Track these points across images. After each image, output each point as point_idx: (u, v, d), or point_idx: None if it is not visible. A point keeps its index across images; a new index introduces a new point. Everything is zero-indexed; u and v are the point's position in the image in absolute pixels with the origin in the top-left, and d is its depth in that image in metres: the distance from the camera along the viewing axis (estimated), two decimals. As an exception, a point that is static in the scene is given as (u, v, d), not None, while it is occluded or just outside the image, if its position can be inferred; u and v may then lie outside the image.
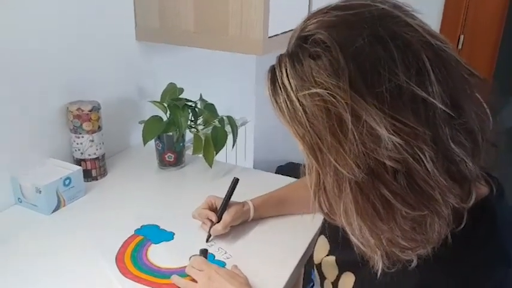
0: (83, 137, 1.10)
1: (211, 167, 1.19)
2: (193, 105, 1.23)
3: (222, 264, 0.86)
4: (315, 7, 1.67)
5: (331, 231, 0.77)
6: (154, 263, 0.87)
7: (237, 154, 1.87)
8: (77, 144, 1.11)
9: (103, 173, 1.18)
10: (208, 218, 0.93)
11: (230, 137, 1.22)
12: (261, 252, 0.92)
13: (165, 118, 1.20)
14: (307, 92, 0.50)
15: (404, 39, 0.49)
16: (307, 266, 1.11)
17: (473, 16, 1.72)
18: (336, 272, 0.75)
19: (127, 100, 1.35)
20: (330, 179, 0.51)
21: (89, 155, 1.12)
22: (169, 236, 0.95)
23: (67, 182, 1.03)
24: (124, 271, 0.84)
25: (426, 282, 0.56)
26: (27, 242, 0.92)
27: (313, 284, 1.66)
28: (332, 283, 0.76)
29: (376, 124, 0.47)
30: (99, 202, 1.08)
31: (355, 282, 0.70)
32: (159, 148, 1.22)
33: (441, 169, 0.49)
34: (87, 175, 1.13)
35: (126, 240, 0.93)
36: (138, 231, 0.96)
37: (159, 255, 0.89)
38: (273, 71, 0.55)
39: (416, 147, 0.47)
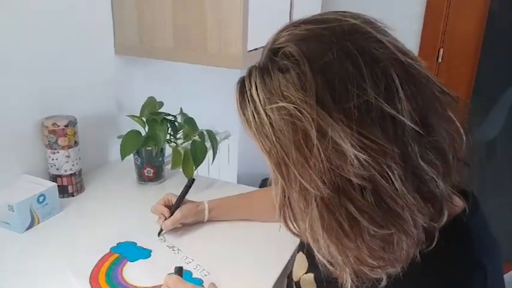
0: (58, 152, 1.08)
1: (190, 181, 1.17)
2: (173, 119, 1.22)
3: (199, 282, 0.84)
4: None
5: (309, 248, 0.76)
6: (129, 282, 0.84)
7: (220, 168, 1.86)
8: (53, 160, 1.09)
9: (80, 189, 1.15)
10: (162, 214, 0.98)
11: (211, 152, 1.21)
12: (240, 267, 0.90)
13: (143, 132, 1.18)
14: (274, 105, 0.49)
15: (373, 55, 0.48)
16: (289, 282, 1.10)
17: (452, 29, 1.75)
18: None
19: (105, 115, 1.33)
20: (296, 195, 0.50)
21: (65, 170, 1.10)
22: (146, 253, 0.93)
23: (41, 199, 1.00)
24: None
25: None
26: (-2, 262, 0.89)
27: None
28: None
29: (342, 140, 0.46)
30: (75, 219, 1.05)
31: None
32: (138, 163, 1.20)
33: (410, 187, 0.48)
34: (63, 191, 1.11)
35: (101, 259, 0.90)
36: (114, 249, 0.93)
37: (134, 273, 0.87)
38: (242, 82, 0.54)
39: (384, 164, 0.46)
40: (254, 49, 1.25)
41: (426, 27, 1.76)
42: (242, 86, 0.54)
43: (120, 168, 1.29)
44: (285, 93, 0.48)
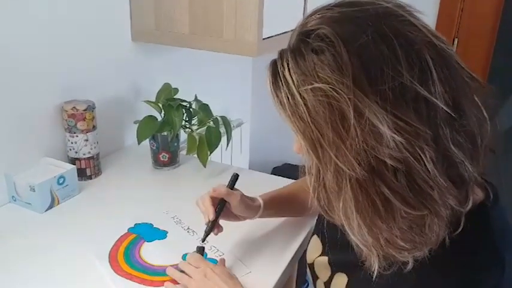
0: (77, 136, 1.11)
1: (205, 166, 1.19)
2: (188, 105, 1.24)
3: (214, 262, 0.87)
4: (310, 9, 1.68)
5: (324, 231, 0.77)
6: (147, 261, 0.87)
7: (232, 155, 1.88)
8: (72, 143, 1.12)
9: (97, 172, 1.18)
10: (207, 215, 0.86)
11: (225, 138, 1.23)
12: (252, 250, 0.92)
13: (159, 118, 1.21)
14: (309, 86, 0.49)
15: (408, 38, 0.49)
16: (301, 266, 1.12)
17: (467, 19, 1.74)
18: (329, 273, 0.75)
19: (122, 100, 1.35)
20: (330, 176, 0.51)
21: (84, 154, 1.13)
22: (162, 234, 0.96)
23: (61, 180, 1.04)
24: (116, 269, 0.85)
25: (422, 285, 0.57)
26: (21, 240, 0.92)
27: (308, 284, 1.66)
28: (324, 283, 0.77)
29: (379, 122, 0.47)
30: (93, 200, 1.08)
31: (347, 283, 0.70)
32: (154, 148, 1.22)
33: (441, 170, 0.48)
34: (82, 174, 1.14)
35: (119, 238, 0.93)
36: (131, 230, 0.96)
37: (152, 253, 0.90)
38: (274, 64, 0.54)
39: (417, 146, 0.47)
40: (269, 37, 1.26)
41: (441, 17, 1.75)
42: (274, 68, 0.54)
43: (136, 153, 1.32)
44: (320, 74, 0.49)
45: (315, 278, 0.80)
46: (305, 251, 0.85)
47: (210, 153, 1.19)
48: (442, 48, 0.50)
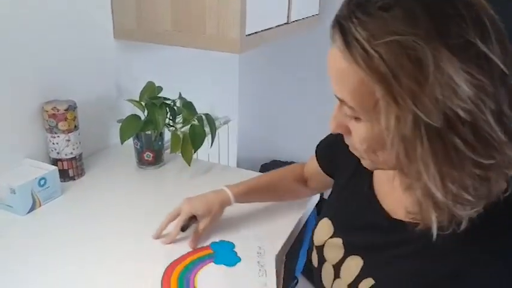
0: (58, 136, 1.09)
1: (189, 165, 1.18)
2: (172, 103, 1.22)
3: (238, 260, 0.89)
4: (295, 5, 1.68)
5: (336, 214, 0.80)
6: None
7: (219, 153, 1.88)
8: (53, 144, 1.10)
9: (80, 172, 1.17)
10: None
11: (210, 136, 1.22)
12: (241, 240, 0.93)
13: (143, 117, 1.19)
14: (382, 40, 0.50)
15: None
16: (289, 263, 1.12)
17: None
18: (341, 255, 0.75)
19: (105, 99, 1.34)
20: (409, 125, 0.51)
21: (66, 154, 1.11)
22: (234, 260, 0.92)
23: (42, 182, 1.02)
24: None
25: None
26: (1, 243, 0.91)
27: (297, 282, 1.66)
28: (333, 265, 0.76)
29: (454, 72, 0.49)
30: (76, 202, 1.07)
31: (363, 266, 0.70)
32: (138, 147, 1.21)
33: (499, 126, 0.51)
34: (64, 175, 1.12)
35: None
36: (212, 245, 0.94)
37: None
38: (340, 24, 0.55)
39: (481, 100, 0.49)
40: (253, 33, 1.25)
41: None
42: (342, 27, 0.54)
43: (120, 152, 1.31)
44: (392, 28, 0.50)
45: (322, 260, 0.79)
46: (312, 235, 0.85)
47: (195, 151, 1.18)
48: (493, 13, 0.53)
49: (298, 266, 1.75)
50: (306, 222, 1.13)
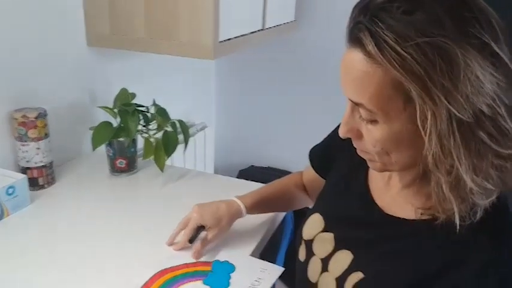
0: (28, 144, 1.07)
1: (162, 171, 1.18)
2: (145, 110, 1.22)
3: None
4: (270, 12, 1.69)
5: (328, 208, 0.83)
6: None
7: (196, 159, 1.87)
8: (23, 152, 1.08)
9: (51, 181, 1.15)
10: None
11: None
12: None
13: (115, 124, 1.18)
14: (413, 42, 0.53)
15: (480, 5, 0.56)
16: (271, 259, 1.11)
17: None
18: (331, 249, 0.77)
19: (78, 106, 1.32)
20: (444, 120, 0.54)
21: (35, 162, 1.10)
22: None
23: (10, 190, 1.00)
24: None
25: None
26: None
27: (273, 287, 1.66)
28: (322, 259, 0.78)
29: (479, 70, 0.53)
30: (46, 211, 1.05)
31: (353, 260, 0.72)
32: (110, 154, 1.20)
33: (511, 119, 0.55)
34: (34, 183, 1.10)
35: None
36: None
37: None
38: (368, 28, 0.56)
39: (497, 96, 0.54)
40: (227, 39, 1.26)
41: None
42: (371, 32, 0.56)
43: (93, 160, 1.29)
44: (420, 31, 0.53)
45: (311, 254, 0.80)
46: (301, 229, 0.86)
47: (168, 157, 1.18)
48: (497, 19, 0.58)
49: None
50: (284, 225, 1.14)
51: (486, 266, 0.60)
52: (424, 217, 0.65)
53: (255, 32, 1.46)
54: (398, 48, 0.53)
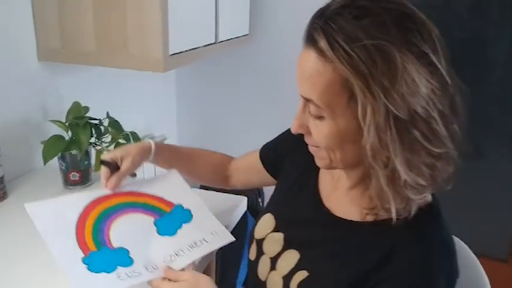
0: (-24, 160, 1.07)
1: (115, 183, 1.19)
2: (98, 123, 1.23)
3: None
4: (223, 26, 1.73)
5: (279, 210, 0.86)
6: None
7: (155, 170, 1.88)
8: (-29, 167, 1.08)
9: (2, 196, 1.15)
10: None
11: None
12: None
13: (67, 137, 1.19)
14: (360, 43, 0.59)
15: (422, 20, 0.62)
16: (230, 276, 1.13)
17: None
18: (279, 248, 0.80)
19: (30, 121, 1.32)
20: (382, 116, 0.60)
21: (-15, 178, 1.10)
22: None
23: (-43, 206, 1.00)
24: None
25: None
26: None
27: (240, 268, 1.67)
28: (271, 258, 0.81)
29: (415, 74, 0.59)
30: (-3, 226, 1.05)
31: (300, 260, 0.76)
32: (63, 168, 1.21)
33: (442, 126, 0.61)
34: (-16, 199, 1.10)
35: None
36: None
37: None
38: (322, 29, 0.62)
39: (431, 100, 0.60)
40: (178, 52, 1.29)
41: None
42: (325, 33, 0.61)
43: (46, 174, 1.29)
44: (368, 34, 0.59)
45: (261, 253, 0.83)
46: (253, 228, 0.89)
47: (121, 169, 1.19)
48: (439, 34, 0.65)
49: (239, 278, 1.77)
50: (247, 233, 1.16)
51: (412, 261, 0.65)
52: (369, 218, 0.70)
53: (208, 45, 1.50)
54: (347, 48, 0.59)
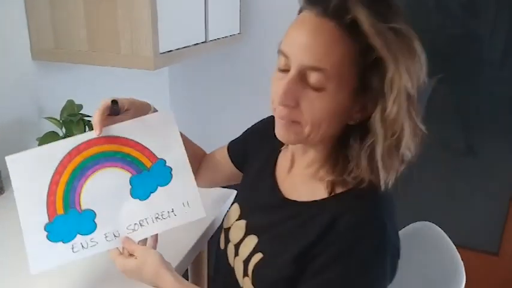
0: (-27, 155, 1.11)
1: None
2: (91, 120, 1.27)
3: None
4: (213, 25, 1.76)
5: (244, 198, 0.90)
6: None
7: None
8: (-32, 163, 1.12)
9: (0, 190, 1.19)
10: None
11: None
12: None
13: (61, 134, 1.23)
14: (389, 24, 0.63)
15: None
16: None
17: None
18: (241, 235, 0.84)
19: (25, 119, 1.36)
20: (402, 91, 0.65)
21: (-18, 173, 1.13)
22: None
23: (-45, 200, 1.03)
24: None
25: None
26: None
27: None
28: (235, 245, 0.85)
29: (423, 62, 0.67)
30: (-7, 219, 1.09)
31: (257, 243, 0.80)
32: (57, 163, 1.24)
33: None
34: (-19, 194, 1.14)
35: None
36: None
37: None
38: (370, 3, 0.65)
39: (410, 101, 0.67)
40: (168, 51, 1.33)
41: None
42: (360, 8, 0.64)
43: (42, 170, 1.33)
44: (392, 18, 0.65)
45: (227, 241, 0.87)
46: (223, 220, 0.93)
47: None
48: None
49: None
50: None
51: (352, 225, 0.69)
52: (319, 196, 0.74)
53: (198, 43, 1.54)
54: (380, 26, 0.62)
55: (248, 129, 1.01)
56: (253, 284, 0.77)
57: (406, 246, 0.98)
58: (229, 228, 0.89)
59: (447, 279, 0.87)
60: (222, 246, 0.90)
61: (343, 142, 0.72)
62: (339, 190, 0.72)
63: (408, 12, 0.66)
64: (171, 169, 0.82)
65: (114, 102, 0.82)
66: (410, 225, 1.03)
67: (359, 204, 0.71)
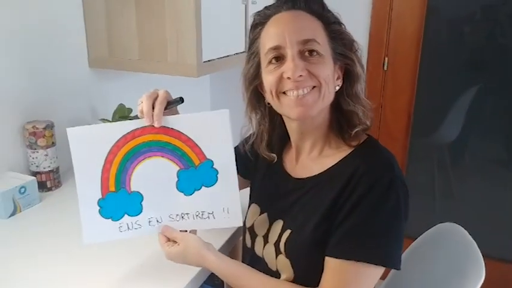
0: (37, 151, 1.25)
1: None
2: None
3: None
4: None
5: (259, 195, 0.99)
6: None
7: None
8: (33, 158, 1.26)
9: (57, 184, 1.32)
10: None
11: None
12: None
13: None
14: (332, 12, 0.87)
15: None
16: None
17: (394, 40, 1.96)
18: (267, 225, 0.92)
19: (81, 120, 1.51)
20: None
21: (44, 168, 1.27)
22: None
23: (22, 190, 1.17)
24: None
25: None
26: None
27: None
28: (263, 236, 0.92)
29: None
30: (53, 209, 1.22)
31: (284, 224, 0.87)
32: (109, 161, 1.37)
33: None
34: (43, 186, 1.28)
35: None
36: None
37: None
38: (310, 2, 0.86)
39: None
40: (210, 60, 1.44)
41: (372, 38, 1.96)
42: (314, 4, 0.86)
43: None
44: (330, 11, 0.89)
45: (254, 237, 0.94)
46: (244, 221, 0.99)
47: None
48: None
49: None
50: None
51: (361, 175, 0.78)
52: (326, 166, 0.85)
53: (238, 53, 1.64)
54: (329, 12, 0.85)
55: (241, 144, 1.04)
56: (287, 258, 0.84)
57: (430, 244, 1.03)
58: (252, 225, 0.95)
59: (464, 275, 0.91)
60: (248, 244, 0.96)
61: (337, 107, 0.87)
62: (347, 152, 0.84)
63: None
64: (218, 172, 0.84)
65: (182, 100, 0.93)
66: (437, 225, 1.07)
67: (367, 154, 0.83)
